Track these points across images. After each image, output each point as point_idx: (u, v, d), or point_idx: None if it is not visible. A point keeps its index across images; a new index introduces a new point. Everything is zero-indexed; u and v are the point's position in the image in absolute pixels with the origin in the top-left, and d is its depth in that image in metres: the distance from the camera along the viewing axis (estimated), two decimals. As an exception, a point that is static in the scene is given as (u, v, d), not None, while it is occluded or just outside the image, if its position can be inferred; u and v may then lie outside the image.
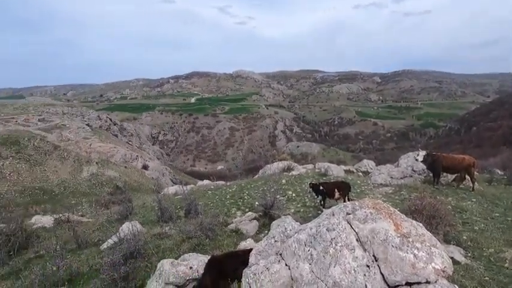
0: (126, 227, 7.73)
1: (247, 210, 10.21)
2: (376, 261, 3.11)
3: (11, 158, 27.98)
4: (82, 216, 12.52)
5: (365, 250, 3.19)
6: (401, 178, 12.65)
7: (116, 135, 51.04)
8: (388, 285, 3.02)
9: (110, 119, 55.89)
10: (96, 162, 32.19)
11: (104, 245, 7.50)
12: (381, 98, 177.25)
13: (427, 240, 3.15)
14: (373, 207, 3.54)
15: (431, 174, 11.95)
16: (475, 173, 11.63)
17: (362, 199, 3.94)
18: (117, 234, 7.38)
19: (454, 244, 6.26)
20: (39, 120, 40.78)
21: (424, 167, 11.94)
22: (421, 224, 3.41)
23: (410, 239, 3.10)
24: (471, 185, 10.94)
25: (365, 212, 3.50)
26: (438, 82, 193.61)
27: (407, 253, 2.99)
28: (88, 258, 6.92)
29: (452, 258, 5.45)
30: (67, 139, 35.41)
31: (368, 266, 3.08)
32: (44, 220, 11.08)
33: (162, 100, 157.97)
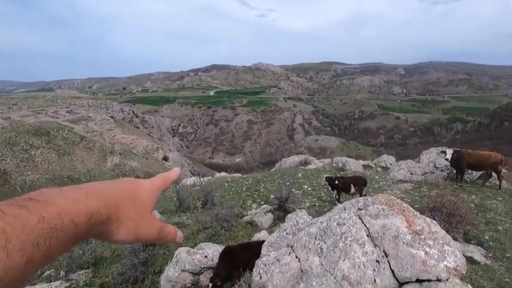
0: (146, 216, 8.09)
1: (262, 202, 10.35)
2: (386, 256, 3.10)
3: (42, 147, 29.71)
4: (106, 204, 13.19)
5: (375, 246, 3.19)
6: (422, 174, 12.27)
7: (138, 127, 52.70)
8: (397, 281, 3.01)
9: (132, 111, 57.69)
10: (119, 153, 33.50)
11: (126, 232, 7.90)
12: (404, 90, 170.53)
13: (440, 238, 3.09)
14: (386, 203, 3.51)
15: (454, 171, 11.51)
16: (504, 170, 11.06)
17: (376, 195, 3.91)
18: (138, 222, 7.74)
19: (474, 244, 6.07)
20: (67, 112, 42.86)
21: (447, 163, 11.50)
22: (435, 222, 3.35)
23: (423, 236, 3.06)
24: (498, 183, 10.44)
25: (377, 207, 3.48)
26: (468, 74, 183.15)
27: (419, 250, 2.96)
28: (111, 244, 7.33)
29: (471, 258, 5.31)
30: (92, 130, 37.04)
31: (378, 262, 3.09)
32: (72, 207, 11.79)
33: (182, 93, 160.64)
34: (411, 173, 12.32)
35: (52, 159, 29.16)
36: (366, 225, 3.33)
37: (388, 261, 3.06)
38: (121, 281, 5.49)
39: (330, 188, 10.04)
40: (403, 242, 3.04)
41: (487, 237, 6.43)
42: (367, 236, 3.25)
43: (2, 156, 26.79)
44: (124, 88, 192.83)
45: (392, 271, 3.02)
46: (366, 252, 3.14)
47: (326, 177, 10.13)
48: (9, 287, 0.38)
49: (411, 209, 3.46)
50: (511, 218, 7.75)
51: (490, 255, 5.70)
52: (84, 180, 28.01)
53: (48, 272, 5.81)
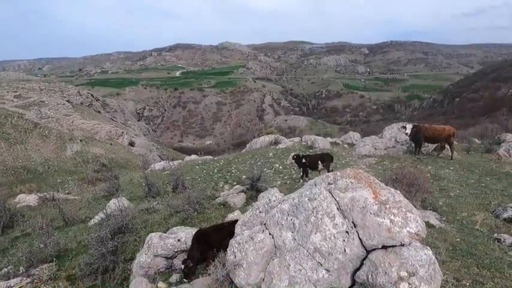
0: (113, 204, 7.73)
1: (234, 183, 10.36)
2: (354, 227, 3.24)
3: (-13, 137, 26.87)
4: (68, 194, 12.39)
5: (345, 217, 3.32)
6: (385, 149, 13.00)
7: (99, 112, 49.42)
8: (365, 249, 3.18)
9: (92, 95, 53.75)
10: (80, 140, 31.38)
11: (92, 222, 7.52)
12: (368, 69, 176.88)
13: (404, 206, 3.29)
14: (354, 177, 3.63)
15: (413, 145, 12.34)
16: (455, 142, 12.07)
17: (344, 169, 4.03)
18: (104, 210, 7.39)
19: (430, 209, 6.62)
20: (14, 96, 38.72)
21: (407, 138, 12.27)
22: (398, 192, 3.54)
23: (388, 206, 3.23)
24: (450, 154, 11.40)
25: (346, 181, 3.59)
26: (424, 53, 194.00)
27: (384, 219, 3.13)
28: (76, 235, 6.96)
29: (427, 222, 5.78)
30: (47, 116, 34.03)
31: (347, 232, 3.22)
32: (29, 199, 10.92)
33: (145, 74, 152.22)
34: (375, 148, 13.00)
35: (2, 149, 26.56)
36: (335, 199, 3.43)
37: (356, 231, 3.21)
38: (89, 272, 5.26)
39: (297, 166, 10.26)
40: (370, 212, 3.19)
41: (441, 203, 7.06)
42: (337, 209, 3.36)
43: None
44: (80, 69, 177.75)
45: (360, 240, 3.17)
46: (336, 225, 3.25)
47: (293, 156, 10.29)
48: None
49: (377, 181, 3.62)
50: (461, 185, 8.56)
51: (443, 219, 6.27)
52: (42, 171, 26.03)
53: (5, 269, 5.38)
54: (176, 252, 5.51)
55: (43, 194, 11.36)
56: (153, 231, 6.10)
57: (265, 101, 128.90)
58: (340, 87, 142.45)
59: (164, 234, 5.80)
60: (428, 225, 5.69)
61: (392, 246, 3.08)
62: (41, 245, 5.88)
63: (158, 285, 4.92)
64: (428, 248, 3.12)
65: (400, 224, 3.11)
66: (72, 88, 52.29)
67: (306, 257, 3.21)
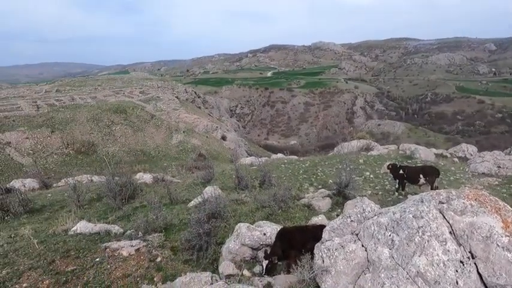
0: (209, 190, 8.64)
1: (320, 186, 10.14)
2: (472, 258, 2.73)
3: (120, 124, 33.77)
4: (173, 177, 14.49)
5: (459, 245, 2.83)
6: (513, 168, 10.49)
7: (199, 107, 55.86)
8: (485, 286, 2.65)
9: (195, 92, 61.19)
10: (183, 131, 36.17)
11: (191, 203, 8.58)
12: (493, 69, 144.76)
13: (549, 245, 2.59)
14: (475, 199, 3.05)
15: (559, 167, 9.54)
16: None
17: (460, 189, 3.43)
18: (202, 195, 8.33)
19: None
20: (140, 92, 47.54)
21: (550, 157, 9.57)
22: (541, 226, 2.80)
23: (525, 241, 2.60)
24: None
25: (463, 202, 3.06)
26: None
27: (518, 256, 2.53)
28: (178, 213, 8.07)
29: None
30: (160, 109, 40.53)
31: (462, 262, 2.74)
32: (145, 177, 13.25)
33: (240, 74, 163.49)
34: (498, 166, 10.62)
35: (128, 134, 32.98)
36: (448, 221, 2.96)
37: (475, 264, 2.70)
38: (188, 247, 6.04)
39: (392, 177, 9.26)
40: (497, 245, 2.63)
41: None
42: (450, 233, 2.90)
43: (91, 130, 31.29)
44: (187, 70, 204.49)
45: (480, 275, 2.66)
46: (448, 251, 2.81)
47: (388, 165, 9.32)
48: None
49: (509, 207, 2.95)
50: None
51: None
52: (154, 155, 31.17)
53: (129, 231, 6.70)
54: (261, 244, 5.79)
55: (156, 174, 13.62)
56: (241, 221, 6.55)
57: (356, 103, 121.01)
58: (452, 90, 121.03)
59: (251, 226, 6.16)
60: None
61: (528, 291, 2.46)
62: (154, 217, 7.07)
63: (243, 272, 5.27)
64: None
65: (542, 266, 2.46)
66: (180, 86, 60.74)
67: (405, 279, 2.89)
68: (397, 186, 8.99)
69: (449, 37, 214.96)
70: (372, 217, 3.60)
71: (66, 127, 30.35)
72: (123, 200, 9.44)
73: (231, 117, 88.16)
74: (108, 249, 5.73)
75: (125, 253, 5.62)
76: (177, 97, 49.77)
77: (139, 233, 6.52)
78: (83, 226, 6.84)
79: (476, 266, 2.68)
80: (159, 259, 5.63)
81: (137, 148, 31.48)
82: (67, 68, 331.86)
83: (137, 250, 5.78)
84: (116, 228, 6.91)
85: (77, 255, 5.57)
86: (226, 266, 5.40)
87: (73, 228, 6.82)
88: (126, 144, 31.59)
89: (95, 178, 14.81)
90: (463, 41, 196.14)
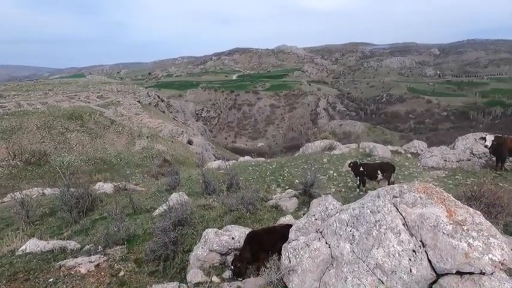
0: (175, 197, 8.37)
1: (287, 187, 10.34)
2: (423, 247, 2.97)
3: (76, 131, 31.49)
4: (136, 185, 13.82)
5: (412, 235, 3.06)
6: (457, 161, 11.60)
7: (163, 112, 54.12)
8: (435, 272, 2.89)
9: (158, 96, 59.17)
10: (147, 137, 34.74)
11: (156, 212, 8.25)
12: (438, 72, 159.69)
13: (485, 229, 2.90)
14: (424, 192, 3.32)
15: (494, 159, 10.75)
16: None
17: (411, 182, 3.72)
18: (167, 203, 8.04)
19: (516, 236, 5.69)
20: (97, 97, 44.81)
21: (486, 150, 10.74)
22: (478, 212, 3.13)
23: (465, 227, 2.88)
24: (544, 172, 9.64)
25: (414, 195, 3.31)
26: (511, 53, 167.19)
27: (460, 241, 2.79)
28: (142, 223, 7.70)
29: (512, 250, 4.99)
30: (121, 114, 38.56)
31: (414, 251, 2.96)
32: (106, 187, 12.48)
33: (205, 77, 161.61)
34: (445, 160, 11.68)
35: (85, 141, 30.86)
36: (401, 214, 3.19)
37: (425, 252, 2.93)
38: (153, 258, 5.79)
39: (353, 175, 9.74)
40: (443, 233, 2.88)
41: (530, 230, 6.00)
42: (403, 224, 3.12)
43: (42, 139, 28.74)
44: (149, 73, 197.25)
45: (430, 262, 2.89)
46: (402, 241, 3.02)
47: (349, 163, 9.79)
48: None
49: (452, 198, 3.26)
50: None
51: (534, 248, 5.32)
52: (115, 162, 29.49)
53: (88, 246, 6.24)
54: (230, 249, 5.73)
55: (117, 183, 12.88)
56: (209, 227, 6.43)
57: (319, 105, 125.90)
58: (404, 91, 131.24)
59: (220, 230, 6.07)
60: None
61: (470, 273, 2.73)
62: (115, 229, 6.67)
63: (212, 278, 5.18)
64: (516, 280, 2.69)
65: (480, 249, 2.74)
66: (142, 90, 58.32)
67: (365, 271, 3.05)
68: (358, 183, 9.46)
69: (399, 42, 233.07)
70: (335, 214, 3.75)
71: (11, 136, 27.56)
72: (81, 213, 8.79)
73: (197, 121, 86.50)
74: (63, 268, 5.28)
75: (83, 270, 5.22)
76: (139, 101, 47.73)
77: (99, 247, 6.10)
78: (33, 244, 6.23)
79: (427, 254, 2.91)
80: (121, 273, 5.32)
81: (96, 156, 29.54)
82: (11, 71, 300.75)
83: (97, 266, 5.40)
84: (72, 244, 6.40)
85: (27, 277, 5.05)
86: (194, 274, 5.27)
87: (21, 248, 6.18)
88: (84, 153, 29.50)
89: (48, 191, 13.61)
90: (412, 46, 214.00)
